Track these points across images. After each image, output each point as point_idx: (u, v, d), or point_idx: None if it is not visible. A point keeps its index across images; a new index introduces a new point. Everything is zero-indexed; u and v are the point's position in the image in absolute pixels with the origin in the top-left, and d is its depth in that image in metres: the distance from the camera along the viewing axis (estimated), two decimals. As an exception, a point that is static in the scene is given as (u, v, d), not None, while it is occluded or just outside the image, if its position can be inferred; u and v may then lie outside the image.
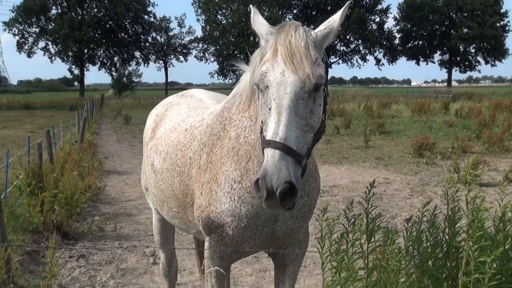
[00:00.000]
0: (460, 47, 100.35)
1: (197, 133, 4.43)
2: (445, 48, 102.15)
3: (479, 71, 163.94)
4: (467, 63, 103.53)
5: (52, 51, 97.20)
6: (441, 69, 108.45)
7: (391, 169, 17.03)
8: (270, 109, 3.13)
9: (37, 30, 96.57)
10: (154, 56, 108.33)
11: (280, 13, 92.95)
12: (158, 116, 5.48)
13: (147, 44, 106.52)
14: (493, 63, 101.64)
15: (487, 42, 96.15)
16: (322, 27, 3.41)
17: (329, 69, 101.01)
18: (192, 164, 4.29)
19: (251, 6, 3.27)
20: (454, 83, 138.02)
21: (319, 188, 4.14)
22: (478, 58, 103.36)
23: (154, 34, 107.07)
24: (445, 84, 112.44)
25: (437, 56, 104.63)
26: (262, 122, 3.23)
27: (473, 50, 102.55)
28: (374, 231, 3.97)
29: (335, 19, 3.40)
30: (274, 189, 2.91)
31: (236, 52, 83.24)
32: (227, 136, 3.97)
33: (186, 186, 4.37)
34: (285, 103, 3.10)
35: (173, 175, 4.55)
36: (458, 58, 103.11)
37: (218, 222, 3.92)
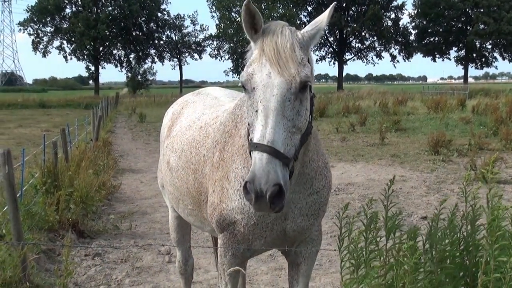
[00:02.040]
0: (477, 43, 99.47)
1: (211, 131, 4.48)
2: (461, 44, 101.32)
3: (496, 68, 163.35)
4: (483, 59, 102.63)
5: (67, 50, 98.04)
6: (457, 66, 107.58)
7: (407, 167, 16.93)
8: (256, 111, 3.14)
9: (52, 29, 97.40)
10: (169, 54, 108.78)
11: (294, 10, 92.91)
12: (174, 115, 5.53)
13: (162, 42, 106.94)
14: (510, 59, 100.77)
15: (503, 38, 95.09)
16: (309, 27, 3.41)
17: (344, 66, 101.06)
18: (205, 162, 4.33)
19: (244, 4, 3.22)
20: (470, 80, 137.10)
21: (330, 186, 4.14)
22: (495, 54, 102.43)
23: (168, 32, 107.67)
24: (462, 80, 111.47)
25: (453, 53, 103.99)
26: (249, 124, 3.23)
27: (489, 46, 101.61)
28: (394, 228, 3.95)
29: (322, 19, 3.40)
30: (263, 192, 2.93)
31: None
32: (238, 134, 4.00)
33: (200, 184, 4.41)
34: (272, 105, 3.10)
35: (188, 172, 4.60)
36: (475, 55, 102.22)
37: (229, 220, 3.95)
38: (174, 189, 4.97)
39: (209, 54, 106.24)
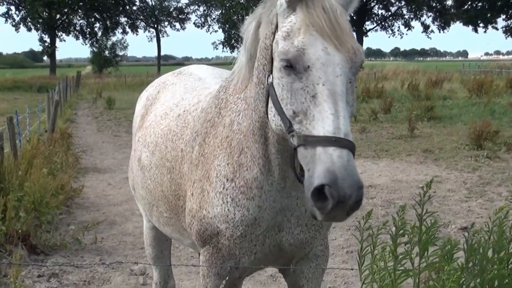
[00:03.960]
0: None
1: (190, 120, 4.50)
2: (511, 11, 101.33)
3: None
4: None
5: (15, 17, 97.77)
6: (506, 38, 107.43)
7: (442, 165, 16.94)
8: (313, 96, 3.10)
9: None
10: (143, 23, 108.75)
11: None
12: (149, 100, 5.55)
13: (134, 8, 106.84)
14: None
15: None
16: None
17: (364, 37, 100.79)
18: (183, 158, 4.36)
19: None
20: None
21: None
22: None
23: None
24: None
25: (501, 21, 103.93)
26: (294, 112, 3.17)
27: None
28: (429, 243, 3.96)
29: None
30: (346, 197, 2.90)
31: (247, 17, 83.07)
32: (222, 123, 4.02)
33: (177, 186, 4.43)
34: (339, 89, 3.09)
35: (163, 172, 4.62)
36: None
37: (211, 230, 3.98)
38: (146, 192, 4.99)
39: (194, 23, 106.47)
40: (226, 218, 3.87)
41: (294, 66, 3.15)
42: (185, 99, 4.88)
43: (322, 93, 3.07)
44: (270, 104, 3.35)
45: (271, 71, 3.35)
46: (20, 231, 9.60)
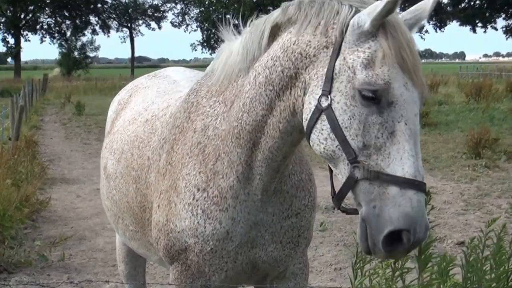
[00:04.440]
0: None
1: (158, 125, 4.49)
2: (511, 10, 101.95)
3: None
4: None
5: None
6: (507, 39, 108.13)
7: (438, 175, 17.02)
8: (392, 133, 3.12)
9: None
10: (116, 22, 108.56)
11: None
12: (120, 104, 5.57)
13: (106, 6, 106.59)
14: None
15: None
16: (407, 15, 3.44)
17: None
18: (150, 167, 4.35)
19: None
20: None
21: (314, 205, 4.18)
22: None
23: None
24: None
25: (500, 21, 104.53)
26: (364, 145, 3.17)
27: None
28: (428, 259, 4.01)
29: (424, 8, 3.42)
30: (420, 241, 3.10)
31: (228, 15, 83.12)
32: (192, 128, 3.99)
33: (143, 197, 4.42)
34: (418, 128, 3.19)
35: (128, 181, 4.62)
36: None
37: (179, 245, 3.97)
38: (111, 203, 4.99)
39: (171, 22, 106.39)
40: (195, 232, 3.86)
41: (380, 100, 3.13)
42: (155, 103, 4.89)
43: (403, 132, 3.11)
44: (323, 126, 3.27)
45: (329, 91, 3.25)
46: (-20, 247, 9.55)
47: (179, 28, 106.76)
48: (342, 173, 3.21)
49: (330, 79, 3.25)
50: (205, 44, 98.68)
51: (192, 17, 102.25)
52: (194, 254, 3.93)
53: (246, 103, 3.66)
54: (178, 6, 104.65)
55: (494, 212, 12.22)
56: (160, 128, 4.42)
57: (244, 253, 3.94)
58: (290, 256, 4.09)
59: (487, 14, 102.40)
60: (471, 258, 4.21)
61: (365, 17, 3.16)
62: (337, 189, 3.30)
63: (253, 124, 3.64)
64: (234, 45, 3.81)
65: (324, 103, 3.23)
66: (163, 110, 4.61)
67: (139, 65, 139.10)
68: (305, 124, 3.35)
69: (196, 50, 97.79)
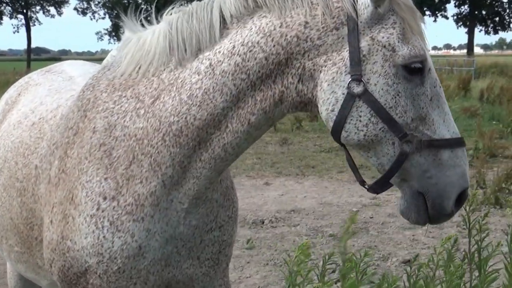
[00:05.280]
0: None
1: (47, 129, 4.29)
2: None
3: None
4: (497, 19, 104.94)
5: None
6: (458, 28, 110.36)
7: (381, 183, 16.83)
8: (431, 99, 3.46)
9: None
10: (9, 8, 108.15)
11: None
12: (8, 104, 5.34)
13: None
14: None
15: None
16: None
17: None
18: (39, 177, 4.13)
19: None
20: (478, 50, 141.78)
21: (236, 217, 4.19)
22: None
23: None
24: (464, 51, 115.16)
25: (451, 8, 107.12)
26: (412, 119, 3.41)
27: (505, 0, 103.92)
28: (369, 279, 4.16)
29: None
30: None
31: (140, 1, 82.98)
32: (90, 128, 3.76)
33: (30, 212, 4.20)
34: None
35: (12, 194, 4.42)
36: (484, 12, 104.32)
37: (78, 267, 3.74)
38: None
39: (75, 8, 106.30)
40: (100, 249, 3.65)
41: (423, 69, 3.41)
42: (44, 104, 4.68)
43: (440, 95, 3.51)
44: (360, 113, 3.39)
45: (360, 75, 3.36)
46: None
47: (83, 16, 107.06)
48: (386, 154, 3.41)
49: (358, 62, 3.35)
50: (113, 33, 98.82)
51: (99, 2, 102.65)
52: (97, 276, 3.72)
53: (195, 95, 3.52)
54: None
55: (445, 226, 12.10)
56: (49, 132, 4.24)
57: (157, 273, 3.81)
58: (209, 275, 4.05)
59: (435, 1, 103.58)
60: (418, 278, 4.33)
61: None
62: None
63: (208, 119, 3.52)
64: (146, 33, 3.75)
65: (357, 89, 3.35)
66: (52, 112, 4.44)
67: (37, 58, 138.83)
68: (331, 115, 3.41)
69: (102, 40, 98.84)
